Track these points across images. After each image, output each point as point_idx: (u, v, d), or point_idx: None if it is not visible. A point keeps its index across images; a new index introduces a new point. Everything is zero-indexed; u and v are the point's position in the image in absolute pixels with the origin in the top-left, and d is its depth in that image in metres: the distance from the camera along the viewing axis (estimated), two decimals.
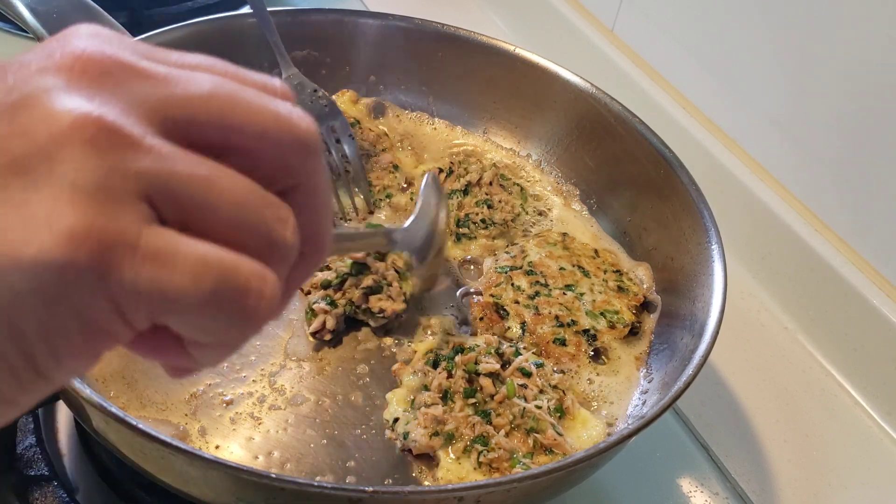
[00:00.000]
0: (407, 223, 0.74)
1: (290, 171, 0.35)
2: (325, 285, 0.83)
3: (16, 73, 0.31)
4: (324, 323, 0.80)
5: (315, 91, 0.97)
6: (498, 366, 0.74)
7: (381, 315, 0.81)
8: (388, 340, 0.82)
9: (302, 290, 0.84)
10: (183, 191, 0.31)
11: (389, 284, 0.82)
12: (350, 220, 0.93)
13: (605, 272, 0.89)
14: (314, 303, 0.81)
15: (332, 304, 0.81)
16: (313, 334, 0.80)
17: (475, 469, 0.69)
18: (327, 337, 0.81)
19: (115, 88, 0.31)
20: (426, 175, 0.78)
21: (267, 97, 0.35)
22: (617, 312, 0.85)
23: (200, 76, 0.33)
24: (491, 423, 0.71)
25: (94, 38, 0.33)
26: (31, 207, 0.29)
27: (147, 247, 0.30)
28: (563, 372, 0.80)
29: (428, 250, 0.75)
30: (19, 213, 0.29)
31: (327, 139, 0.94)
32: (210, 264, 0.31)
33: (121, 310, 0.31)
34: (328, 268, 0.84)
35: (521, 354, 0.77)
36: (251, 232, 0.33)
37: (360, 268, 0.82)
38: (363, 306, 0.81)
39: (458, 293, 0.88)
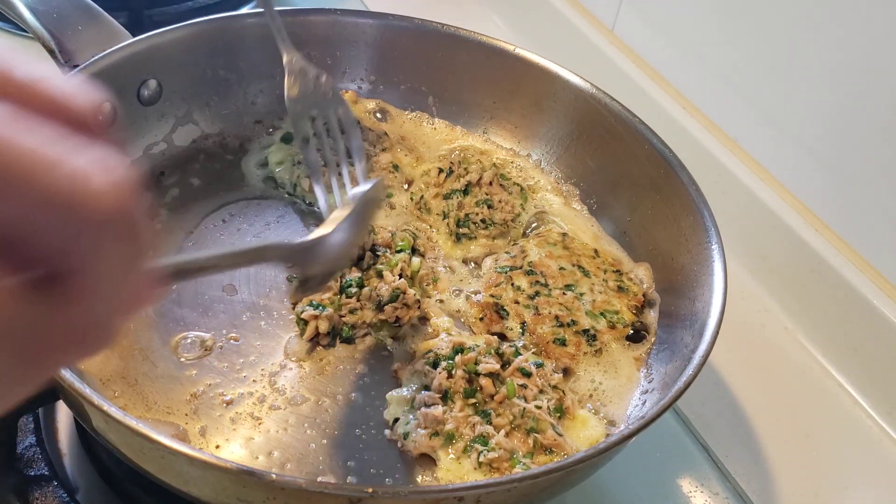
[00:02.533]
0: (309, 238, 0.60)
1: (66, 255, 0.25)
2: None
3: None
4: (316, 328, 0.80)
5: (318, 76, 0.91)
6: (498, 366, 0.74)
7: (398, 324, 0.81)
8: (388, 340, 0.82)
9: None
10: None
11: (403, 292, 0.82)
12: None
13: (605, 272, 0.89)
14: (301, 312, 0.81)
15: (319, 306, 0.81)
16: (309, 341, 0.80)
17: (475, 469, 0.70)
18: (324, 341, 0.80)
19: None
20: (372, 187, 0.67)
21: (58, 141, 0.24)
22: (617, 312, 0.85)
23: None
24: (491, 424, 0.71)
25: None
26: None
27: None
28: (563, 372, 0.80)
29: (320, 281, 0.64)
30: None
31: (331, 128, 0.90)
32: None
33: None
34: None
35: (520, 354, 0.77)
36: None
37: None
38: (370, 321, 0.81)
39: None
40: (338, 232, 0.61)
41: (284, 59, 0.91)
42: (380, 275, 0.82)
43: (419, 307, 0.82)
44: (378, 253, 0.85)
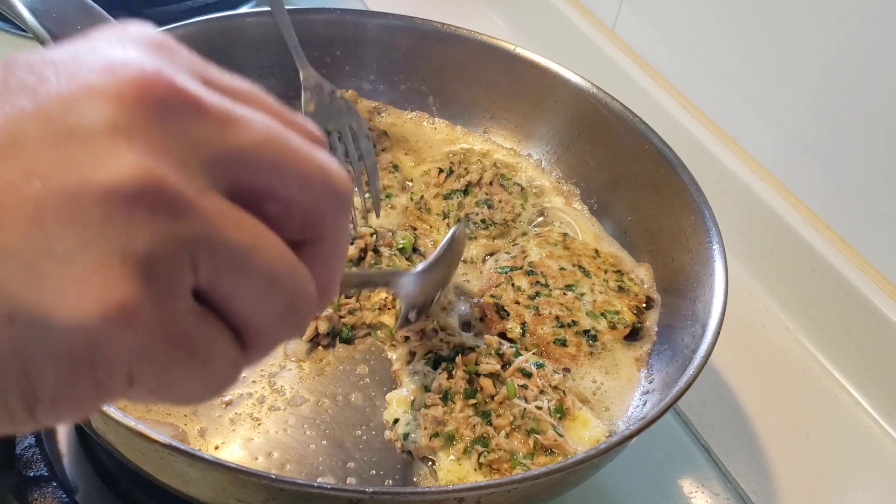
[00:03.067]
0: (417, 268, 0.69)
1: (320, 224, 0.34)
2: None
3: (60, 78, 0.29)
4: (316, 328, 0.80)
5: (333, 92, 0.96)
6: (498, 366, 0.74)
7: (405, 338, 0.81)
8: (388, 341, 0.82)
9: None
10: (224, 258, 0.30)
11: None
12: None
13: (605, 272, 0.89)
14: None
15: None
16: (309, 341, 0.80)
17: (475, 470, 0.69)
18: (324, 342, 0.80)
19: (175, 130, 0.29)
20: (455, 228, 0.73)
21: (311, 145, 0.34)
22: (618, 313, 0.85)
23: (255, 118, 0.32)
24: (491, 424, 0.71)
25: (151, 51, 0.31)
26: (76, 267, 0.27)
27: (180, 327, 0.30)
28: (564, 372, 0.79)
29: (422, 306, 0.72)
30: (63, 270, 0.27)
31: (345, 138, 0.93)
32: (237, 364, 0.33)
33: (133, 378, 0.30)
34: None
35: (521, 355, 0.77)
36: (274, 307, 0.32)
37: None
38: (370, 321, 0.81)
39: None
40: (438, 265, 0.70)
41: (301, 76, 0.94)
42: None
43: (436, 334, 0.82)
44: (380, 253, 0.85)
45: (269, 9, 0.96)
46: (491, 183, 0.96)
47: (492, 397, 0.72)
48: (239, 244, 0.30)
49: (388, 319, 0.81)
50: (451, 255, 0.72)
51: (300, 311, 0.33)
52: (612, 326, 0.83)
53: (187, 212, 0.29)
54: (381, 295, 0.81)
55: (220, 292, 0.31)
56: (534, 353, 0.79)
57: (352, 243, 0.85)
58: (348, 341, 0.81)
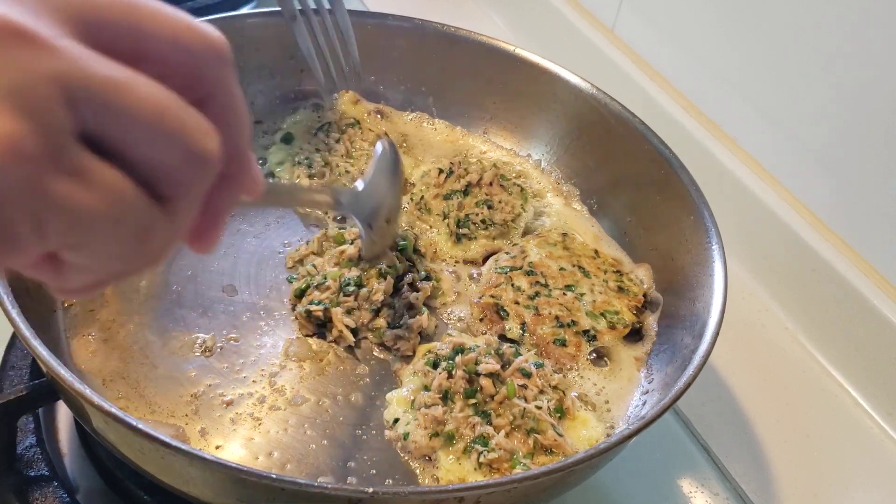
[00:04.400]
0: (358, 186, 0.73)
1: (203, 81, 0.36)
2: (299, 294, 0.82)
3: None
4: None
5: None
6: (498, 366, 0.74)
7: (397, 348, 0.81)
8: (389, 341, 0.82)
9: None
10: (100, 96, 0.31)
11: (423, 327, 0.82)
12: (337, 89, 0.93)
13: (605, 272, 0.89)
14: (302, 311, 0.81)
15: (320, 304, 0.81)
16: (308, 336, 0.81)
17: (475, 469, 0.69)
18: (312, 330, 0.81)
19: None
20: (379, 142, 0.77)
21: (177, 10, 0.35)
22: (617, 313, 0.85)
23: None
24: (491, 424, 0.71)
25: None
26: None
27: (71, 163, 0.31)
28: (562, 372, 0.80)
29: (375, 218, 0.75)
30: None
31: (318, 5, 0.92)
32: (125, 194, 0.32)
33: (37, 223, 0.31)
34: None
35: (521, 355, 0.77)
36: (171, 142, 0.33)
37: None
38: (369, 321, 0.81)
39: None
40: (376, 176, 0.75)
41: None
42: (381, 275, 0.82)
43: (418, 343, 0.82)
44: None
45: (268, 9, 0.96)
46: (491, 183, 0.96)
47: (492, 397, 0.73)
48: (109, 79, 0.31)
49: (381, 322, 0.81)
50: (384, 168, 0.75)
51: (203, 146, 0.34)
52: (612, 326, 0.84)
53: (44, 48, 0.30)
54: (380, 295, 0.81)
55: (111, 137, 0.32)
56: (534, 353, 0.79)
57: (351, 243, 0.85)
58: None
